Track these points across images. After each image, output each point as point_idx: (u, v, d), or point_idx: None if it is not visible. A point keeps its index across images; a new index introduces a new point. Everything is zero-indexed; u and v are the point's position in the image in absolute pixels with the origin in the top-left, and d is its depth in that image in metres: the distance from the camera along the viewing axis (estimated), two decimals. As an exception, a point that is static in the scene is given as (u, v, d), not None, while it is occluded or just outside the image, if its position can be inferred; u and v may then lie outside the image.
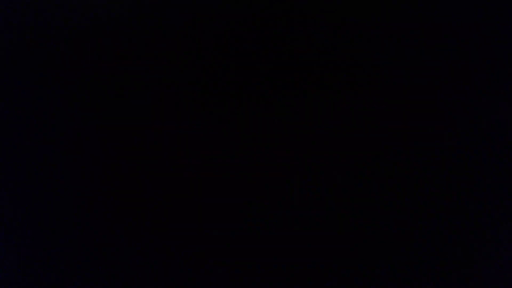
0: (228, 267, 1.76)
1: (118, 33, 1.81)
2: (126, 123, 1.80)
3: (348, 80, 1.78)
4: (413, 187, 1.76)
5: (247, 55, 1.80)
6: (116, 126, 1.80)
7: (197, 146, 1.79)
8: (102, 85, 1.80)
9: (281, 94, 1.79)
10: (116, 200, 1.78)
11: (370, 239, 1.75)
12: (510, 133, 1.76)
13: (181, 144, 1.79)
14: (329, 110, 1.78)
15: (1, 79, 1.82)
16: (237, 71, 1.80)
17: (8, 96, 1.81)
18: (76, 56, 1.81)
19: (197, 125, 1.79)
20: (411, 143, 1.77)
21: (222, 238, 1.76)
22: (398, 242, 1.74)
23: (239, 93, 1.79)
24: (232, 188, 1.77)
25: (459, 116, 1.77)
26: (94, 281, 1.76)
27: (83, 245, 1.77)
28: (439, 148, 1.76)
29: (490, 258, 1.74)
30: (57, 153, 1.80)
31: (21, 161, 1.80)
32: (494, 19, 1.78)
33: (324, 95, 1.78)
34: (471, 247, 1.74)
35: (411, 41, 1.79)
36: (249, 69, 1.80)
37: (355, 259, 1.74)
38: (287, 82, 1.79)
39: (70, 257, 1.77)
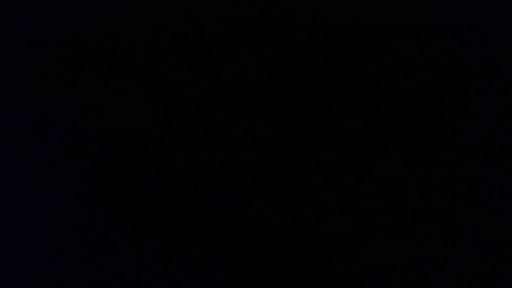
0: (228, 267, 1.76)
1: (118, 33, 1.81)
2: (126, 123, 1.80)
3: (348, 81, 1.79)
4: (413, 187, 1.76)
5: (248, 55, 1.80)
6: (116, 126, 1.80)
7: (197, 146, 1.79)
8: (102, 85, 1.81)
9: (281, 95, 1.79)
10: (115, 200, 1.78)
11: (370, 239, 1.75)
12: (510, 133, 1.76)
13: (181, 144, 1.79)
14: (328, 111, 1.78)
15: (1, 79, 1.82)
16: (236, 71, 1.80)
17: (8, 96, 1.81)
18: (76, 56, 1.81)
19: (197, 125, 1.79)
20: (412, 144, 1.77)
21: (222, 238, 1.77)
22: (398, 242, 1.75)
23: (239, 93, 1.79)
24: (232, 188, 1.78)
25: (459, 116, 1.77)
26: (94, 281, 1.76)
27: (83, 245, 1.78)
28: (439, 148, 1.77)
29: (490, 258, 1.74)
30: (57, 153, 1.80)
31: (21, 161, 1.80)
32: (494, 19, 1.78)
33: (324, 96, 1.78)
34: (471, 247, 1.74)
35: (412, 42, 1.79)
36: (249, 69, 1.80)
37: (355, 259, 1.74)
38: (287, 82, 1.79)
39: (70, 257, 1.78)
